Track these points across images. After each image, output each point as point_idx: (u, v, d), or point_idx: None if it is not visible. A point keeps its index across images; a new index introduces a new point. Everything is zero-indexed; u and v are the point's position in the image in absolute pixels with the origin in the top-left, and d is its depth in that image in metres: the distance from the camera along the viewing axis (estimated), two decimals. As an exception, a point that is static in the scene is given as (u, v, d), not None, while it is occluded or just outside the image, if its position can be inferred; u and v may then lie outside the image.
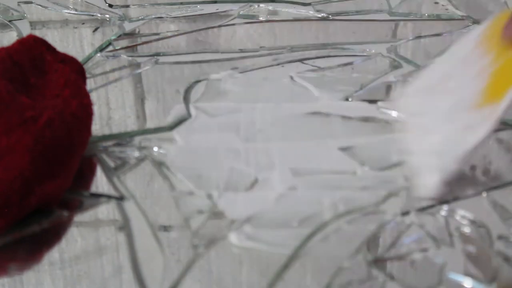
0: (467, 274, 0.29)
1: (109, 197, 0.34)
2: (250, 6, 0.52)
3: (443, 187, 0.33)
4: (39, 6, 0.52)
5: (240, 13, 0.51)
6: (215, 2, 0.52)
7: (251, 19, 0.50)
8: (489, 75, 0.33)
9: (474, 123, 0.32)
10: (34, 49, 0.35)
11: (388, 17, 0.51)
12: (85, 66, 0.42)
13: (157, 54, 0.46)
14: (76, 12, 0.51)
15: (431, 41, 0.48)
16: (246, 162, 0.36)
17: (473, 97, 0.33)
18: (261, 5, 0.52)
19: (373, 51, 0.46)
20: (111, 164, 0.35)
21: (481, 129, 0.32)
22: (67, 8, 0.52)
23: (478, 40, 0.34)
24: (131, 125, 0.39)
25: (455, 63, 0.36)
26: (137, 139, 0.37)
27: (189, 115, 0.39)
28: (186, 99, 0.40)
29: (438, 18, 0.50)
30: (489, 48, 0.33)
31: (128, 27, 0.49)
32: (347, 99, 0.41)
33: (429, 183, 0.33)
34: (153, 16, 0.50)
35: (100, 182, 0.35)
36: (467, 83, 0.33)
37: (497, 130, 0.38)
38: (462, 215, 0.32)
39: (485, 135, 0.32)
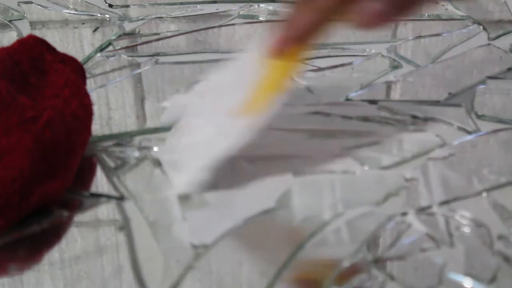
0: (467, 274, 0.29)
1: (109, 197, 0.34)
2: (250, 6, 0.52)
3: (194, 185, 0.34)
4: (39, 6, 0.52)
5: (240, 13, 0.51)
6: (215, 2, 0.52)
7: (251, 19, 0.50)
8: (254, 87, 0.35)
9: (230, 130, 0.34)
10: (34, 49, 0.35)
11: (388, 17, 0.51)
12: (85, 66, 0.42)
13: (157, 54, 0.46)
14: (76, 12, 0.51)
15: (431, 41, 0.48)
16: (246, 162, 0.35)
17: (238, 106, 0.34)
18: (261, 5, 0.52)
19: (373, 51, 0.46)
20: (111, 164, 0.35)
21: (233, 135, 0.34)
22: (67, 8, 0.52)
23: (251, 59, 0.36)
24: (131, 125, 0.39)
25: (234, 74, 0.37)
26: (137, 139, 0.37)
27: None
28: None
29: (438, 18, 0.50)
30: (257, 65, 0.35)
31: (128, 27, 0.49)
32: (347, 99, 0.41)
33: (180, 179, 0.34)
34: (153, 16, 0.50)
35: (100, 182, 0.35)
36: (236, 92, 0.35)
37: (497, 130, 0.38)
38: (462, 215, 0.32)
39: (234, 143, 0.34)
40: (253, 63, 0.35)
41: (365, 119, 0.39)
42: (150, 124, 0.39)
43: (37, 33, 0.47)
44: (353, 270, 0.29)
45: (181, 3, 0.52)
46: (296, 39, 0.34)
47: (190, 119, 0.36)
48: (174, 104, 0.40)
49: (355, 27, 0.33)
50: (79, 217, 0.33)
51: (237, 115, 0.34)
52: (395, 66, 0.44)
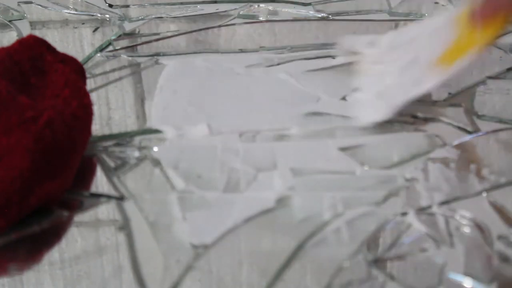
0: (467, 274, 0.29)
1: (109, 197, 0.34)
2: (250, 6, 0.52)
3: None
4: (39, 6, 0.52)
5: (240, 13, 0.51)
6: (215, 2, 0.52)
7: (251, 19, 0.50)
8: (449, 44, 0.38)
9: (422, 79, 0.38)
10: (34, 49, 0.35)
11: (388, 17, 0.51)
12: (85, 66, 0.42)
13: (157, 54, 0.46)
14: (76, 12, 0.51)
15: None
16: (246, 162, 0.36)
17: (430, 59, 0.38)
18: (261, 5, 0.52)
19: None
20: (111, 164, 0.36)
21: (425, 85, 0.38)
22: (67, 8, 0.52)
23: (450, 18, 0.39)
24: (131, 125, 0.39)
25: (424, 30, 0.41)
26: (137, 139, 0.37)
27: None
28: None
29: (438, 18, 0.50)
30: (457, 25, 0.38)
31: (128, 27, 0.49)
32: (347, 99, 0.41)
33: (364, 117, 0.38)
34: (153, 16, 0.50)
35: (100, 182, 0.35)
36: (429, 46, 0.39)
37: (497, 130, 0.38)
38: (462, 215, 0.32)
39: (426, 91, 0.38)
40: (448, 22, 0.38)
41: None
42: (150, 124, 0.39)
43: (37, 33, 0.47)
44: None
45: (181, 3, 0.52)
46: (501, 8, 0.36)
47: (383, 65, 0.40)
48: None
49: None
50: (79, 217, 0.33)
51: (429, 67, 0.38)
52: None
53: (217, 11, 0.51)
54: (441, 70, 0.37)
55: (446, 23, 0.39)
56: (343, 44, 0.44)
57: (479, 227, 0.32)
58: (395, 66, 0.39)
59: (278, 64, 0.45)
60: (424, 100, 0.41)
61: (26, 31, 0.48)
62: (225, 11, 0.51)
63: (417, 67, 0.38)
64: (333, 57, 0.45)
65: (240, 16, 0.51)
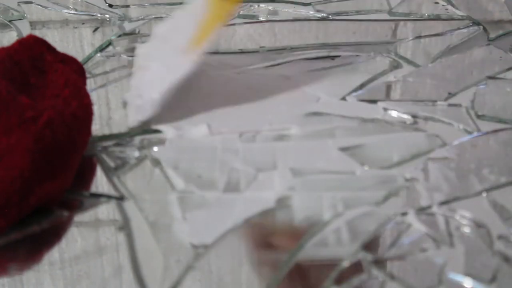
0: (467, 274, 0.29)
1: (109, 197, 0.34)
2: (250, 6, 0.52)
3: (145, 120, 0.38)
4: (39, 6, 0.52)
5: (240, 13, 0.51)
6: (215, 2, 0.52)
7: (251, 19, 0.50)
8: (199, 25, 0.39)
9: (177, 65, 0.39)
10: (34, 49, 0.35)
11: (388, 17, 0.51)
12: (85, 66, 0.42)
13: (157, 54, 0.46)
14: (76, 12, 0.51)
15: (431, 41, 0.48)
16: (246, 162, 0.36)
17: (186, 43, 0.39)
18: (261, 5, 0.52)
19: (373, 51, 0.46)
20: (111, 164, 0.36)
21: (179, 70, 0.38)
22: (67, 8, 0.51)
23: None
24: (131, 125, 0.39)
25: (183, 17, 0.41)
26: (137, 139, 0.37)
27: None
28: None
29: (438, 18, 0.50)
30: (206, 4, 0.40)
31: (128, 27, 0.49)
32: (347, 99, 0.41)
33: (131, 115, 0.38)
34: (153, 16, 0.50)
35: (100, 182, 0.35)
36: (186, 31, 0.40)
37: (497, 130, 0.38)
38: (462, 215, 0.32)
39: (180, 76, 0.38)
40: (202, 4, 0.40)
41: (365, 119, 0.39)
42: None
43: (37, 33, 0.47)
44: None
45: (181, 3, 0.52)
46: None
47: (144, 62, 0.41)
48: (138, 53, 0.43)
49: None
50: (79, 217, 0.33)
51: (185, 51, 0.39)
52: (395, 66, 0.44)
53: (217, 11, 0.51)
54: (194, 52, 0.39)
55: (199, 5, 0.40)
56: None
57: (479, 227, 0.32)
58: (156, 58, 0.40)
59: (278, 64, 0.45)
60: (424, 100, 0.41)
61: (26, 31, 0.48)
62: (225, 11, 0.51)
63: (175, 55, 0.39)
64: (332, 57, 0.45)
65: (240, 16, 0.50)
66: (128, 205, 0.33)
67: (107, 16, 0.50)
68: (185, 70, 0.38)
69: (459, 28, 0.49)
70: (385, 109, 0.40)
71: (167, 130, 0.38)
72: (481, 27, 0.49)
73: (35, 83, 0.35)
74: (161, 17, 0.50)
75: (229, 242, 0.31)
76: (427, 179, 0.34)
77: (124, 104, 0.39)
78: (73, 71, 0.36)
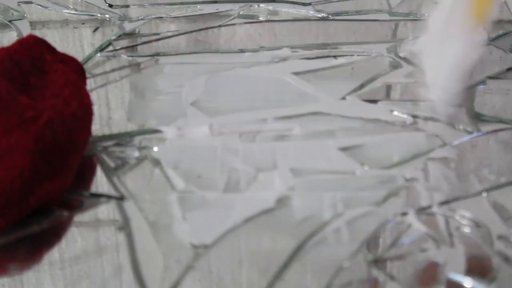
0: (467, 274, 0.29)
1: (109, 197, 0.34)
2: (250, 6, 0.52)
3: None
4: (39, 6, 0.52)
5: (240, 13, 0.51)
6: (215, 2, 0.52)
7: (251, 19, 0.50)
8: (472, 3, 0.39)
9: (469, 47, 0.38)
10: (34, 49, 0.35)
11: (388, 17, 0.51)
12: (85, 66, 0.42)
13: (157, 54, 0.46)
14: (76, 12, 0.51)
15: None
16: (246, 162, 0.36)
17: (464, 26, 0.39)
18: (261, 5, 0.52)
19: (373, 51, 0.46)
20: (111, 164, 0.36)
21: (475, 51, 0.38)
22: (67, 8, 0.52)
23: None
24: (131, 125, 0.39)
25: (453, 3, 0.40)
26: (137, 139, 0.37)
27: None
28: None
29: (438, 18, 0.50)
30: None
31: (128, 27, 0.49)
32: (347, 99, 0.41)
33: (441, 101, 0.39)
34: (153, 16, 0.50)
35: (100, 182, 0.35)
36: (459, 15, 0.39)
37: (497, 130, 0.38)
38: (462, 215, 0.32)
39: (478, 56, 0.38)
40: None
41: (365, 119, 0.39)
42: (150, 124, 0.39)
43: (37, 33, 0.47)
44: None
45: (181, 3, 0.52)
46: None
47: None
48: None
49: None
50: (79, 217, 0.33)
51: (469, 33, 0.38)
52: (394, 66, 0.44)
53: (217, 11, 0.51)
54: (478, 31, 0.39)
55: None
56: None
57: (479, 227, 0.32)
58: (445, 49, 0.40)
59: (278, 64, 0.45)
60: (424, 100, 0.41)
61: (26, 31, 0.48)
62: (225, 11, 0.51)
63: (461, 40, 0.39)
64: (335, 57, 0.45)
65: (240, 16, 0.51)
66: (128, 205, 0.33)
67: (107, 16, 0.50)
68: (478, 50, 0.39)
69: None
70: (385, 109, 0.40)
71: (167, 130, 0.38)
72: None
73: (35, 83, 0.35)
74: (161, 17, 0.50)
75: (229, 242, 0.31)
76: (427, 179, 0.34)
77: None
78: (73, 71, 0.36)
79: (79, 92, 0.35)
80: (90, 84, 0.40)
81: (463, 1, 0.39)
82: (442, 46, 0.40)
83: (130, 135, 0.38)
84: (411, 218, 0.32)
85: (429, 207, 0.33)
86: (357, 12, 0.51)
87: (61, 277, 0.30)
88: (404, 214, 0.32)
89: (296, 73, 0.43)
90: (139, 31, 0.49)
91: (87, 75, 0.39)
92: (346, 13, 0.51)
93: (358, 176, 0.35)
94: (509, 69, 0.44)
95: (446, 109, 0.39)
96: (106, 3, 0.52)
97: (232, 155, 0.36)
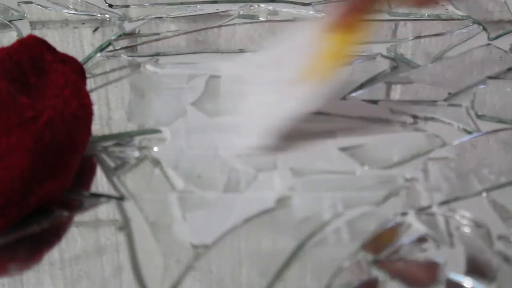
0: (467, 274, 0.29)
1: (109, 197, 0.34)
2: (250, 6, 0.52)
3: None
4: (39, 6, 0.52)
5: (240, 13, 0.51)
6: (215, 2, 0.52)
7: (251, 19, 0.50)
8: (313, 57, 0.37)
9: (291, 96, 0.36)
10: (34, 49, 0.35)
11: (388, 17, 0.51)
12: (85, 66, 0.42)
13: (157, 54, 0.46)
14: (76, 12, 0.51)
15: (431, 41, 0.48)
16: (246, 162, 0.35)
17: (296, 75, 0.37)
18: (261, 5, 0.52)
19: (373, 51, 0.46)
20: (111, 164, 0.36)
21: (294, 101, 0.36)
22: (67, 8, 0.51)
23: (310, 32, 0.38)
24: (131, 125, 0.39)
25: (291, 45, 0.39)
26: (137, 139, 0.37)
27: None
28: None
29: (438, 18, 0.50)
30: (318, 38, 0.37)
31: (128, 27, 0.49)
32: (347, 99, 0.41)
33: (242, 140, 0.37)
34: (153, 16, 0.50)
35: (100, 182, 0.35)
36: (294, 64, 0.37)
37: (497, 130, 0.38)
38: (462, 215, 0.32)
39: (295, 109, 0.36)
40: (309, 36, 0.37)
41: (365, 119, 0.39)
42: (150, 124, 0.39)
43: (37, 33, 0.47)
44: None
45: (181, 3, 0.52)
46: (355, 11, 0.36)
47: (249, 86, 0.39)
48: (226, 73, 0.42)
49: (410, 5, 0.34)
50: (79, 217, 0.33)
51: (296, 83, 0.37)
52: (394, 66, 0.44)
53: (217, 11, 0.51)
54: (308, 84, 0.36)
55: (306, 38, 0.38)
56: None
57: (479, 227, 0.32)
58: (261, 87, 0.38)
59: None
60: (424, 100, 0.41)
61: (26, 31, 0.48)
62: (225, 11, 0.51)
63: (284, 85, 0.37)
64: None
65: (240, 16, 0.51)
66: (128, 205, 0.33)
67: (107, 16, 0.50)
68: (302, 102, 0.36)
69: (459, 28, 0.49)
70: (385, 109, 0.40)
71: (167, 130, 0.38)
72: (481, 27, 0.49)
73: (35, 83, 0.35)
74: (161, 17, 0.50)
75: (229, 242, 0.31)
76: (427, 179, 0.34)
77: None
78: (73, 71, 0.36)
79: (79, 92, 0.35)
80: (90, 84, 0.40)
81: (298, 50, 0.38)
82: (267, 80, 0.38)
83: (130, 135, 0.38)
84: (411, 218, 0.32)
85: (429, 207, 0.33)
86: (357, 12, 0.51)
87: (61, 277, 0.30)
88: (404, 214, 0.32)
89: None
90: (139, 31, 0.49)
91: (87, 75, 0.39)
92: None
93: (358, 176, 0.35)
94: (509, 69, 0.44)
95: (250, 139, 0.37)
96: (106, 3, 0.52)
97: (232, 155, 0.36)
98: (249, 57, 0.42)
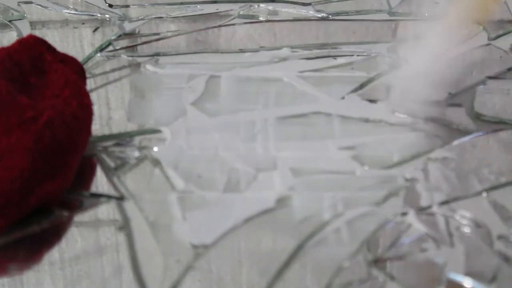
0: (467, 274, 0.29)
1: (109, 197, 0.34)
2: (250, 6, 0.52)
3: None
4: (39, 6, 0.52)
5: (240, 13, 0.51)
6: (215, 2, 0.52)
7: (251, 19, 0.50)
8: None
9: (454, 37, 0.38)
10: (34, 49, 0.35)
11: (388, 17, 0.51)
12: (85, 66, 0.42)
13: (157, 54, 0.46)
14: (76, 12, 0.51)
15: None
16: (246, 162, 0.36)
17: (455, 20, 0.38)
18: (261, 5, 0.52)
19: (373, 51, 0.46)
20: (111, 164, 0.36)
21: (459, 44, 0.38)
22: (67, 8, 0.51)
23: None
24: (131, 125, 0.39)
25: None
26: (137, 139, 0.37)
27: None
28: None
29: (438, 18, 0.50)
30: None
31: (128, 27, 0.49)
32: (347, 99, 0.41)
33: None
34: (153, 16, 0.50)
35: (100, 182, 0.35)
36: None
37: (497, 130, 0.38)
38: (462, 215, 0.32)
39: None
40: None
41: (365, 119, 0.39)
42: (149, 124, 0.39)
43: (37, 33, 0.47)
44: None
45: (181, 3, 0.52)
46: None
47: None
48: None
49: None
50: (79, 217, 0.33)
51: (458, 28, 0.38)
52: (395, 66, 0.44)
53: (217, 11, 0.51)
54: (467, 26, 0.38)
55: None
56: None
57: (479, 227, 0.32)
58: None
59: (278, 64, 0.45)
60: (424, 100, 0.41)
61: (26, 31, 0.48)
62: (225, 11, 0.51)
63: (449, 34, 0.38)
64: (334, 57, 0.45)
65: (240, 16, 0.50)
66: (128, 205, 0.33)
67: (107, 16, 0.50)
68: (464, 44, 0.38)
69: (459, 28, 0.49)
70: (385, 109, 0.40)
71: (167, 130, 0.38)
72: (481, 27, 0.49)
73: (35, 83, 0.35)
74: (161, 17, 0.50)
75: (229, 242, 0.31)
76: (427, 179, 0.34)
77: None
78: (73, 71, 0.36)
79: (79, 92, 0.35)
80: (90, 84, 0.40)
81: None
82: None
83: (130, 135, 0.38)
84: (411, 218, 0.32)
85: (429, 207, 0.33)
86: (357, 12, 0.51)
87: (61, 277, 0.30)
88: (404, 214, 0.32)
89: (296, 73, 0.43)
90: (139, 31, 0.49)
91: (87, 75, 0.38)
92: (346, 13, 0.51)
93: (358, 176, 0.35)
94: (509, 69, 0.44)
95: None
96: (106, 3, 0.52)
97: (232, 155, 0.36)
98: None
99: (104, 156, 0.36)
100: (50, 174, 0.31)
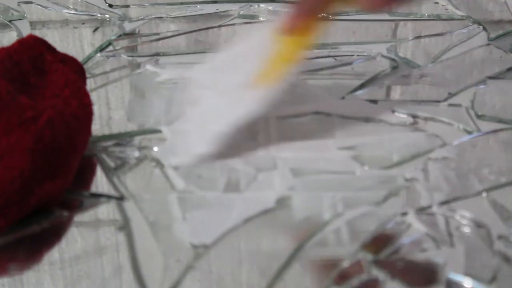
0: (467, 274, 0.29)
1: (109, 197, 0.34)
2: (250, 6, 0.52)
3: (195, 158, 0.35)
4: (39, 6, 0.52)
5: (240, 13, 0.51)
6: (215, 2, 0.52)
7: (251, 19, 0.50)
8: (266, 60, 0.36)
9: (241, 101, 0.36)
10: (34, 49, 0.35)
11: (388, 17, 0.51)
12: (85, 66, 0.42)
13: (157, 54, 0.46)
14: (76, 12, 0.51)
15: (431, 41, 0.48)
16: (246, 162, 0.35)
17: (249, 78, 0.36)
18: (261, 5, 0.52)
19: (373, 51, 0.46)
20: (111, 164, 0.35)
21: (244, 106, 0.35)
22: (67, 8, 0.52)
23: (264, 35, 0.38)
24: (131, 125, 0.39)
25: (244, 50, 0.39)
26: (137, 139, 0.37)
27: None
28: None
29: (438, 18, 0.50)
30: (272, 40, 0.37)
31: (128, 27, 0.49)
32: (347, 99, 0.41)
33: (190, 146, 0.36)
34: (153, 16, 0.50)
35: (100, 182, 0.35)
36: (248, 66, 0.37)
37: (497, 130, 0.38)
38: (462, 215, 0.32)
39: (244, 114, 0.35)
40: (264, 39, 0.37)
41: (365, 119, 0.39)
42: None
43: (37, 33, 0.47)
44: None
45: (181, 3, 0.52)
46: (307, 14, 0.36)
47: (200, 91, 0.38)
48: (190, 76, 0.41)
49: (362, 8, 0.35)
50: (79, 217, 0.33)
51: (248, 87, 0.36)
52: (394, 66, 0.44)
53: (217, 11, 0.51)
54: (260, 88, 0.36)
55: (261, 40, 0.38)
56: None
57: (479, 227, 0.32)
58: (216, 90, 0.38)
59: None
60: (424, 100, 0.41)
61: (26, 31, 0.48)
62: (225, 11, 0.51)
63: (238, 89, 0.36)
64: (335, 58, 0.45)
65: (240, 16, 0.51)
66: (128, 205, 0.33)
67: (107, 16, 0.50)
68: (252, 107, 0.35)
69: (459, 28, 0.49)
70: (385, 109, 0.40)
71: (167, 130, 0.38)
72: (481, 27, 0.49)
73: (35, 83, 0.35)
74: (161, 17, 0.50)
75: (229, 242, 0.31)
76: (427, 179, 0.34)
77: (166, 133, 0.36)
78: (73, 71, 0.36)
79: (79, 92, 0.35)
80: (90, 84, 0.40)
81: (253, 52, 0.37)
82: (217, 85, 0.38)
83: (130, 135, 0.38)
84: (411, 218, 0.32)
85: (429, 207, 0.33)
86: (357, 12, 0.51)
87: (61, 277, 0.30)
88: (404, 214, 0.32)
89: (296, 73, 0.43)
90: (139, 31, 0.49)
91: (87, 75, 0.39)
92: (346, 13, 0.51)
93: (358, 176, 0.35)
94: (509, 69, 0.44)
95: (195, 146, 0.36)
96: (106, 3, 0.52)
97: (232, 155, 0.36)
98: (206, 60, 0.41)
99: (104, 156, 0.36)
100: (50, 174, 0.31)
